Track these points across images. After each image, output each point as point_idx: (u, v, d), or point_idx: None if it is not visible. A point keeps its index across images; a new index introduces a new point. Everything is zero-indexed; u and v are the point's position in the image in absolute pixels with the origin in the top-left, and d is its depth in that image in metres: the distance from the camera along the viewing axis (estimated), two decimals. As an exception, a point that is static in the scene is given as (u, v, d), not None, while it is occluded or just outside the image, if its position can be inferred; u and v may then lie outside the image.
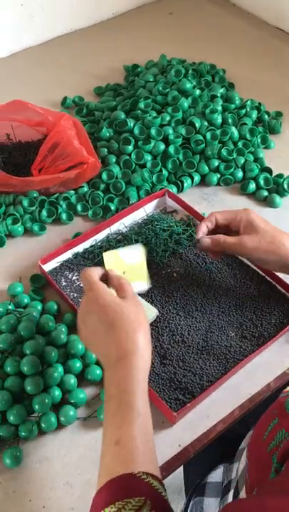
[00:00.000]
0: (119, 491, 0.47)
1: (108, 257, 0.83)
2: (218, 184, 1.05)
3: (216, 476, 0.76)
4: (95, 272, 0.66)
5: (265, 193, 1.02)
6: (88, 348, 0.67)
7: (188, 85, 1.14)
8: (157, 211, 0.98)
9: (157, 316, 0.81)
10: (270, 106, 1.21)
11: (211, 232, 0.81)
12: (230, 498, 0.70)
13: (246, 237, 0.76)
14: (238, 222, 0.78)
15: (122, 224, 0.95)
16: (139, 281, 0.80)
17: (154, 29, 1.53)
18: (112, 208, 0.98)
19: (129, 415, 0.54)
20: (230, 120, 1.10)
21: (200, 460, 0.83)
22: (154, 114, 1.09)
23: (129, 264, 0.82)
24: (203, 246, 0.79)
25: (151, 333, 0.79)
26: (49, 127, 1.02)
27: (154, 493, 0.47)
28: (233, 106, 1.14)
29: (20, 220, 0.94)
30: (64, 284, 0.86)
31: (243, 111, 1.14)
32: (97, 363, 0.76)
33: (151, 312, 0.79)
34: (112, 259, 0.82)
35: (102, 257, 0.82)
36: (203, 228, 0.79)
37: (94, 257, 0.90)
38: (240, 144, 1.07)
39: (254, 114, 1.14)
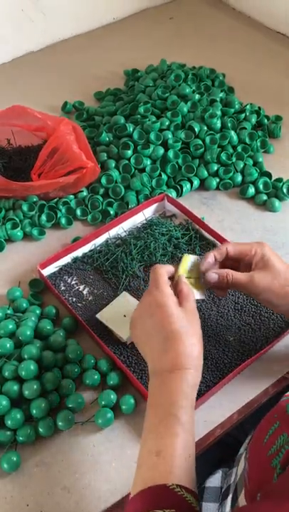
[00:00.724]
0: (151, 501, 0.47)
1: (186, 260, 0.74)
2: (217, 188, 1.05)
3: (215, 480, 0.76)
4: (165, 272, 0.66)
5: (265, 197, 1.02)
6: (137, 346, 0.65)
7: (188, 90, 1.14)
8: (156, 215, 0.99)
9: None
10: (269, 110, 1.21)
11: (219, 263, 0.74)
12: (228, 502, 0.70)
13: (258, 276, 0.68)
14: (251, 256, 0.71)
15: (122, 228, 0.95)
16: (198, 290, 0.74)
17: (154, 34, 1.53)
18: (112, 212, 0.98)
19: (175, 428, 0.54)
20: (229, 124, 1.10)
21: (198, 465, 0.83)
22: (154, 118, 1.09)
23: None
24: (208, 281, 0.71)
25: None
26: (49, 132, 1.03)
27: (186, 506, 0.47)
28: (232, 110, 1.15)
29: (19, 225, 0.95)
30: (63, 288, 0.87)
31: (243, 115, 1.14)
32: (95, 368, 0.76)
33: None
34: (188, 263, 0.74)
35: (182, 258, 0.74)
36: (210, 259, 0.71)
37: (93, 261, 0.90)
38: (239, 148, 1.08)
39: (253, 119, 1.14)
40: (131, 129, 1.07)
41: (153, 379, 0.60)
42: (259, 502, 0.44)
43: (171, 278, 0.69)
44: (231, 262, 0.73)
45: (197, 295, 0.70)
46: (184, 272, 0.70)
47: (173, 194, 1.01)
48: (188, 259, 0.73)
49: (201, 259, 0.72)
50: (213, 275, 0.70)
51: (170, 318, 0.60)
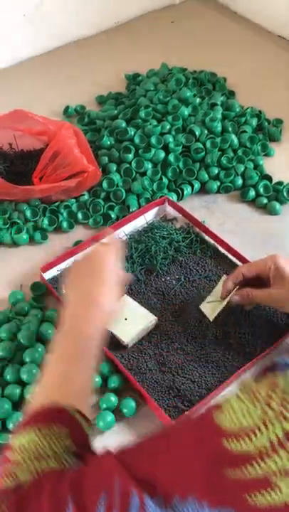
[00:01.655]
0: (48, 418, 0.47)
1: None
2: (218, 192, 1.05)
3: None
4: (116, 250, 0.68)
5: (265, 201, 1.02)
6: (68, 281, 0.67)
7: (189, 94, 1.15)
8: (157, 219, 0.99)
9: (156, 324, 0.81)
10: (270, 113, 1.21)
11: (240, 283, 0.77)
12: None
13: (276, 290, 0.70)
14: (267, 271, 0.73)
15: (123, 232, 0.95)
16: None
17: (155, 38, 1.54)
18: (113, 215, 0.98)
19: (74, 350, 0.56)
20: (230, 128, 1.10)
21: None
22: (155, 122, 1.10)
23: None
24: (233, 303, 0.76)
25: (150, 340, 0.80)
26: (50, 136, 1.03)
27: (79, 429, 0.48)
28: (233, 114, 1.15)
29: (24, 228, 0.95)
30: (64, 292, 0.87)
31: (243, 119, 1.14)
32: (96, 371, 0.76)
33: (150, 319, 0.80)
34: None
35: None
36: (230, 287, 0.75)
37: (94, 264, 0.90)
38: (240, 152, 1.08)
39: (254, 122, 1.15)
40: (132, 133, 1.07)
41: (70, 308, 0.62)
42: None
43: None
44: (251, 279, 0.75)
45: (208, 313, 0.75)
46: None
47: (174, 197, 1.01)
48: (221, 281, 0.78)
49: (223, 286, 0.77)
50: (235, 297, 0.74)
51: (106, 266, 0.65)
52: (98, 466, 0.41)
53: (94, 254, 0.67)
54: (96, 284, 0.62)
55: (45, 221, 0.97)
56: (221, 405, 0.38)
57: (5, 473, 0.43)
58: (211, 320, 0.78)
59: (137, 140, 1.06)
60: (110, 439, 0.71)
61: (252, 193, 1.03)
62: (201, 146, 1.06)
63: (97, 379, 0.75)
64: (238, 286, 0.75)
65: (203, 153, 1.05)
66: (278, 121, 1.20)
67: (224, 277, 0.75)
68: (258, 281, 0.75)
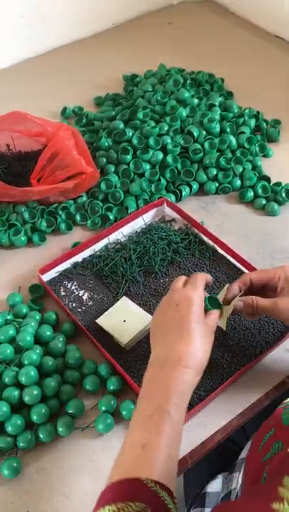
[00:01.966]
0: (124, 493, 0.47)
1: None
2: (216, 193, 1.05)
3: (216, 485, 0.76)
4: (203, 281, 0.68)
5: (264, 201, 1.02)
6: (151, 332, 0.66)
7: (187, 95, 1.15)
8: (156, 220, 0.99)
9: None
10: (268, 114, 1.21)
11: (246, 291, 0.74)
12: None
13: (281, 300, 0.68)
14: (275, 281, 0.71)
15: (121, 233, 0.95)
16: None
17: (153, 39, 1.54)
18: (111, 217, 0.98)
19: (164, 425, 0.54)
20: (228, 129, 1.10)
21: (199, 470, 0.83)
22: (153, 123, 1.09)
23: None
24: (235, 308, 0.71)
25: (149, 342, 0.79)
26: (48, 138, 1.03)
27: (159, 502, 0.47)
28: (231, 115, 1.15)
29: (22, 230, 0.95)
30: (63, 293, 0.87)
31: (241, 119, 1.14)
32: (95, 373, 0.76)
33: (149, 320, 0.80)
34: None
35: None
36: (235, 290, 0.72)
37: (93, 266, 0.90)
38: (238, 153, 1.08)
39: (252, 123, 1.15)
40: (130, 134, 1.07)
41: (152, 369, 0.60)
42: (238, 500, 0.45)
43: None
44: (258, 288, 0.73)
45: (219, 322, 0.71)
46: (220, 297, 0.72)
47: (172, 199, 1.01)
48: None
49: (228, 288, 0.73)
50: (239, 303, 0.71)
51: (192, 316, 0.62)
52: None
53: (181, 301, 0.64)
54: (184, 342, 0.60)
55: (44, 223, 0.97)
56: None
57: None
58: (225, 329, 0.74)
59: (135, 141, 1.06)
60: (109, 441, 0.71)
61: (250, 194, 1.03)
62: (199, 147, 1.06)
63: (96, 381, 0.74)
64: (242, 292, 0.73)
65: (201, 154, 1.05)
66: (276, 122, 1.20)
67: (227, 286, 0.73)
68: (263, 292, 0.73)
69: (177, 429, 0.55)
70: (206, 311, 0.67)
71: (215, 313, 0.67)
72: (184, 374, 0.58)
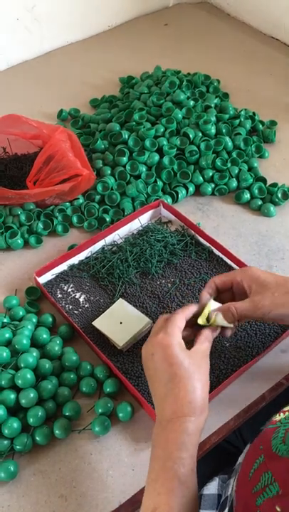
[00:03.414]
0: None
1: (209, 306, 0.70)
2: (212, 194, 1.05)
3: (212, 487, 0.76)
4: (180, 321, 0.63)
5: (260, 203, 1.02)
6: (145, 372, 0.63)
7: (182, 96, 1.15)
8: (152, 222, 0.99)
9: (151, 327, 0.81)
10: (264, 115, 1.21)
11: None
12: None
13: (258, 297, 0.66)
14: (239, 282, 0.69)
15: (117, 235, 0.95)
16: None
17: (149, 40, 1.54)
18: (108, 219, 0.98)
19: (171, 483, 0.52)
20: (224, 130, 1.10)
21: (196, 472, 0.83)
22: (149, 125, 1.10)
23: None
24: (219, 325, 0.68)
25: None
26: (44, 140, 1.03)
27: None
28: (227, 116, 1.15)
29: (18, 233, 0.95)
30: (59, 296, 0.87)
31: (237, 121, 1.14)
32: (92, 375, 0.76)
33: (145, 322, 0.80)
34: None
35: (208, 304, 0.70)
36: (205, 297, 0.70)
37: (89, 268, 0.90)
38: (234, 154, 1.08)
39: (248, 124, 1.15)
40: (126, 136, 1.07)
41: (155, 428, 0.59)
42: None
43: (194, 317, 0.67)
44: (227, 296, 0.72)
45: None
46: (204, 317, 0.68)
47: (168, 200, 1.01)
48: (210, 306, 0.70)
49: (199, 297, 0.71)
50: (218, 317, 0.67)
51: (172, 359, 0.59)
52: None
53: (156, 350, 0.60)
54: (172, 393, 0.57)
55: (40, 225, 0.97)
56: None
57: None
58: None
59: (131, 143, 1.06)
60: (106, 443, 0.71)
61: (246, 195, 1.03)
62: (195, 148, 1.06)
63: (93, 383, 0.74)
64: (212, 296, 0.71)
65: (197, 156, 1.05)
66: (272, 123, 1.20)
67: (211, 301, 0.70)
68: (234, 300, 0.71)
69: (186, 482, 0.53)
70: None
71: (200, 339, 0.64)
72: (182, 424, 0.56)
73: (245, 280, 0.68)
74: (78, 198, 1.02)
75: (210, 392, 0.71)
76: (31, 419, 0.69)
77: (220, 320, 0.67)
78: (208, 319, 0.67)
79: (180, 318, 0.64)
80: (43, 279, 0.88)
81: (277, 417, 0.56)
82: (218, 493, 0.76)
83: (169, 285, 0.88)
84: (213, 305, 0.69)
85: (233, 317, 0.67)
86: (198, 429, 0.57)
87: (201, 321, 0.67)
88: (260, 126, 1.18)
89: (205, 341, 0.64)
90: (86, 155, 1.02)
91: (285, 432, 0.51)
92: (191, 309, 0.67)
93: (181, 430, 0.56)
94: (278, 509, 0.44)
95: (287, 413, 0.55)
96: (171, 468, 0.53)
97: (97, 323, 0.80)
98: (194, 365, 0.59)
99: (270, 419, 0.57)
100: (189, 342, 0.64)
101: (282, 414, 0.56)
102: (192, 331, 0.67)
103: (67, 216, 1.00)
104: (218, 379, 0.75)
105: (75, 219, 0.99)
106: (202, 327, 0.67)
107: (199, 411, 0.57)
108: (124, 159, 1.04)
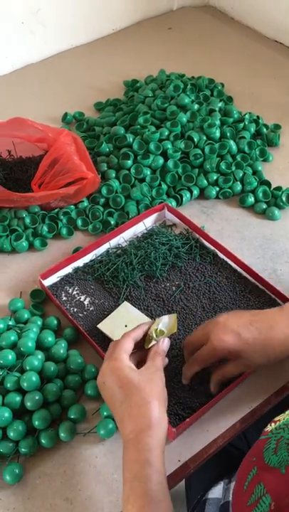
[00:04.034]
0: None
1: (157, 321, 0.70)
2: (217, 197, 1.05)
3: (217, 492, 0.76)
4: (127, 344, 0.64)
5: (264, 206, 1.02)
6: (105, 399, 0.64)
7: (187, 100, 1.15)
8: (157, 225, 0.99)
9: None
10: (268, 119, 1.22)
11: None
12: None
13: (242, 362, 0.67)
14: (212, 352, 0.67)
15: (122, 238, 0.95)
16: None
17: (153, 44, 1.55)
18: (112, 222, 0.98)
19: (141, 501, 0.53)
20: (228, 134, 1.11)
21: (201, 475, 0.83)
22: (153, 129, 1.10)
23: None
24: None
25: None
26: (49, 143, 1.04)
27: None
28: (231, 120, 1.15)
29: (23, 236, 0.95)
30: (64, 298, 0.87)
31: (242, 124, 1.15)
32: (96, 378, 0.76)
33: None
34: (159, 324, 0.70)
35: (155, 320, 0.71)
36: (145, 324, 0.69)
37: (94, 271, 0.90)
38: (238, 158, 1.08)
39: (252, 128, 1.15)
40: (131, 140, 1.08)
41: (122, 451, 0.59)
42: None
43: (143, 339, 0.68)
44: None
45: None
46: (153, 330, 0.68)
47: (173, 203, 1.01)
48: (159, 321, 0.70)
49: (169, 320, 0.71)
50: (161, 323, 0.69)
51: (122, 380, 0.60)
52: None
53: (103, 378, 0.62)
54: (124, 413, 0.58)
55: (45, 228, 0.97)
56: None
57: None
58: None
59: (135, 146, 1.06)
60: (111, 446, 0.71)
61: (251, 198, 1.03)
62: (199, 152, 1.06)
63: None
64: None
65: (201, 159, 1.06)
66: (276, 127, 1.20)
67: (157, 319, 0.71)
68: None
69: (157, 497, 0.53)
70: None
71: (152, 355, 0.65)
72: (141, 441, 0.56)
73: (219, 352, 0.67)
74: (83, 201, 1.02)
75: (216, 394, 0.72)
76: (36, 422, 0.69)
77: (162, 326, 0.68)
78: (156, 336, 0.67)
79: (126, 342, 0.64)
80: (47, 282, 0.88)
81: (269, 428, 0.56)
82: (222, 498, 0.76)
83: (174, 288, 0.88)
84: (163, 319, 0.70)
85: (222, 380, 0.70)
86: (158, 441, 0.57)
87: (146, 345, 0.67)
88: (265, 129, 1.18)
89: (155, 356, 0.64)
90: (91, 158, 1.02)
91: (276, 443, 0.51)
92: (139, 331, 0.67)
93: (140, 448, 0.56)
94: None
95: (278, 423, 0.55)
96: (139, 486, 0.53)
97: (102, 326, 0.80)
98: (144, 381, 0.60)
99: (263, 430, 0.57)
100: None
101: (273, 424, 0.56)
102: (146, 352, 0.67)
103: (72, 219, 1.00)
104: (223, 383, 0.75)
105: (79, 222, 1.00)
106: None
107: (156, 423, 0.57)
108: (129, 162, 1.04)
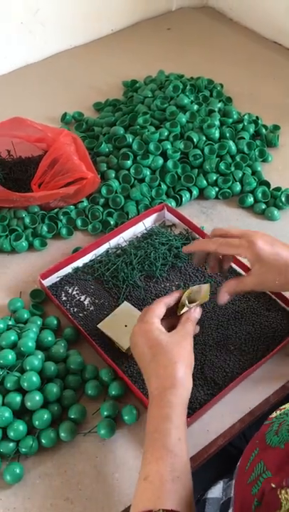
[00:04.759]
0: None
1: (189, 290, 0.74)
2: (216, 198, 1.06)
3: (216, 491, 0.76)
4: (158, 309, 0.68)
5: (263, 206, 1.03)
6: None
7: (186, 100, 1.15)
8: (156, 225, 0.99)
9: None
10: (267, 120, 1.22)
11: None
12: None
13: (262, 276, 0.69)
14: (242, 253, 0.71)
15: (122, 238, 0.96)
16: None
17: (152, 45, 1.55)
18: (112, 222, 0.99)
19: (159, 452, 0.56)
20: (227, 134, 1.11)
21: (201, 475, 0.83)
22: (153, 129, 1.10)
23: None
24: (222, 301, 0.73)
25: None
26: (49, 143, 1.03)
27: None
28: (230, 120, 1.16)
29: (23, 236, 0.95)
30: (64, 298, 0.87)
31: (241, 125, 1.15)
32: (97, 378, 0.76)
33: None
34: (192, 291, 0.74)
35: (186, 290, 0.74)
36: (177, 292, 0.73)
37: (94, 271, 0.90)
38: (237, 158, 1.08)
39: (251, 128, 1.16)
40: (130, 140, 1.08)
41: (148, 406, 0.62)
42: None
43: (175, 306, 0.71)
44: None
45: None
46: (186, 297, 0.71)
47: (172, 204, 1.02)
48: (192, 289, 0.74)
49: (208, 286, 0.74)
50: (224, 297, 0.73)
51: (151, 342, 0.64)
52: None
53: (135, 338, 0.66)
54: (152, 371, 0.62)
55: (44, 228, 0.97)
56: None
57: None
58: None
59: (135, 147, 1.06)
60: (111, 446, 0.71)
61: (250, 199, 1.03)
62: (199, 152, 1.06)
63: (98, 386, 0.74)
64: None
65: (201, 160, 1.06)
66: (275, 128, 1.20)
67: (196, 287, 0.74)
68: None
69: (174, 451, 0.56)
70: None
71: (183, 321, 0.67)
72: (164, 398, 0.59)
73: (250, 258, 0.70)
74: (82, 201, 1.02)
75: (215, 395, 0.72)
76: (37, 422, 0.69)
77: (195, 294, 0.72)
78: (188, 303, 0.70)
79: (158, 306, 0.68)
80: (47, 282, 0.88)
81: (274, 414, 0.58)
82: (222, 497, 0.76)
83: (174, 288, 0.88)
84: (194, 288, 0.74)
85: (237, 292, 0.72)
86: (180, 400, 0.60)
87: (178, 311, 0.70)
88: (264, 130, 1.19)
89: (186, 322, 0.67)
90: (90, 158, 1.02)
91: (278, 426, 0.53)
92: (171, 297, 0.71)
93: (163, 404, 0.59)
94: (273, 485, 0.45)
95: (283, 410, 0.56)
96: (158, 439, 0.57)
97: (102, 326, 0.80)
98: (172, 343, 0.63)
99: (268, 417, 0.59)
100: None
101: (278, 411, 0.57)
102: (178, 319, 0.70)
103: (72, 219, 1.00)
104: (223, 382, 0.75)
105: (79, 222, 1.00)
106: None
107: (179, 383, 0.60)
108: (129, 163, 1.05)
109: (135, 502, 0.54)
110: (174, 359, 0.62)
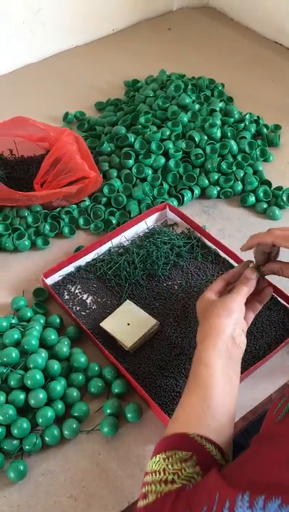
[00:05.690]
0: (172, 444, 0.55)
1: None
2: (218, 197, 1.06)
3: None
4: (215, 285, 0.74)
5: (265, 206, 1.03)
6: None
7: (188, 100, 1.16)
8: (158, 224, 1.00)
9: (158, 328, 0.82)
10: (268, 119, 1.22)
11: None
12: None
13: None
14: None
15: (124, 237, 0.96)
16: None
17: (153, 45, 1.55)
18: (114, 221, 0.99)
19: (193, 384, 0.62)
20: (229, 134, 1.11)
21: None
22: (155, 128, 1.10)
23: None
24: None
25: (152, 345, 0.80)
26: (51, 142, 1.04)
27: (205, 452, 0.53)
28: (232, 120, 1.16)
29: (25, 234, 0.96)
30: (67, 297, 0.87)
31: (242, 124, 1.15)
32: (100, 376, 0.76)
33: (152, 324, 0.80)
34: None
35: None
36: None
37: (96, 270, 0.91)
38: (239, 157, 1.09)
39: (253, 128, 1.16)
40: (132, 139, 1.08)
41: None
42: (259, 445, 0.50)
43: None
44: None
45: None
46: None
47: (174, 203, 1.02)
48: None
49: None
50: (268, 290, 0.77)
51: (204, 304, 0.71)
52: (204, 482, 0.47)
53: (200, 303, 0.72)
54: (207, 322, 0.67)
55: (47, 227, 0.97)
56: None
57: (140, 495, 0.52)
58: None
59: (137, 146, 1.07)
60: (114, 444, 0.71)
61: (252, 198, 1.04)
62: (200, 151, 1.07)
63: (101, 384, 0.75)
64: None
65: (202, 159, 1.06)
66: (277, 127, 1.21)
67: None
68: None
69: (205, 385, 0.60)
70: None
71: (236, 289, 0.71)
72: (206, 342, 0.64)
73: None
74: (85, 200, 1.02)
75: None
76: (40, 420, 0.69)
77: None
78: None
79: (216, 282, 0.75)
80: (50, 281, 0.88)
81: None
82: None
83: (176, 287, 0.89)
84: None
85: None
86: (214, 345, 0.64)
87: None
88: (265, 130, 1.19)
89: (239, 284, 0.71)
90: (92, 158, 1.02)
91: None
92: (230, 273, 0.77)
93: (198, 349, 0.65)
94: None
95: None
96: (195, 372, 0.63)
97: (104, 324, 0.81)
98: (220, 301, 0.68)
99: None
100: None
101: None
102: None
103: (74, 218, 1.00)
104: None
105: (81, 221, 1.00)
106: None
107: (215, 332, 0.65)
108: (131, 162, 1.05)
109: (173, 424, 0.59)
110: (216, 311, 0.67)
